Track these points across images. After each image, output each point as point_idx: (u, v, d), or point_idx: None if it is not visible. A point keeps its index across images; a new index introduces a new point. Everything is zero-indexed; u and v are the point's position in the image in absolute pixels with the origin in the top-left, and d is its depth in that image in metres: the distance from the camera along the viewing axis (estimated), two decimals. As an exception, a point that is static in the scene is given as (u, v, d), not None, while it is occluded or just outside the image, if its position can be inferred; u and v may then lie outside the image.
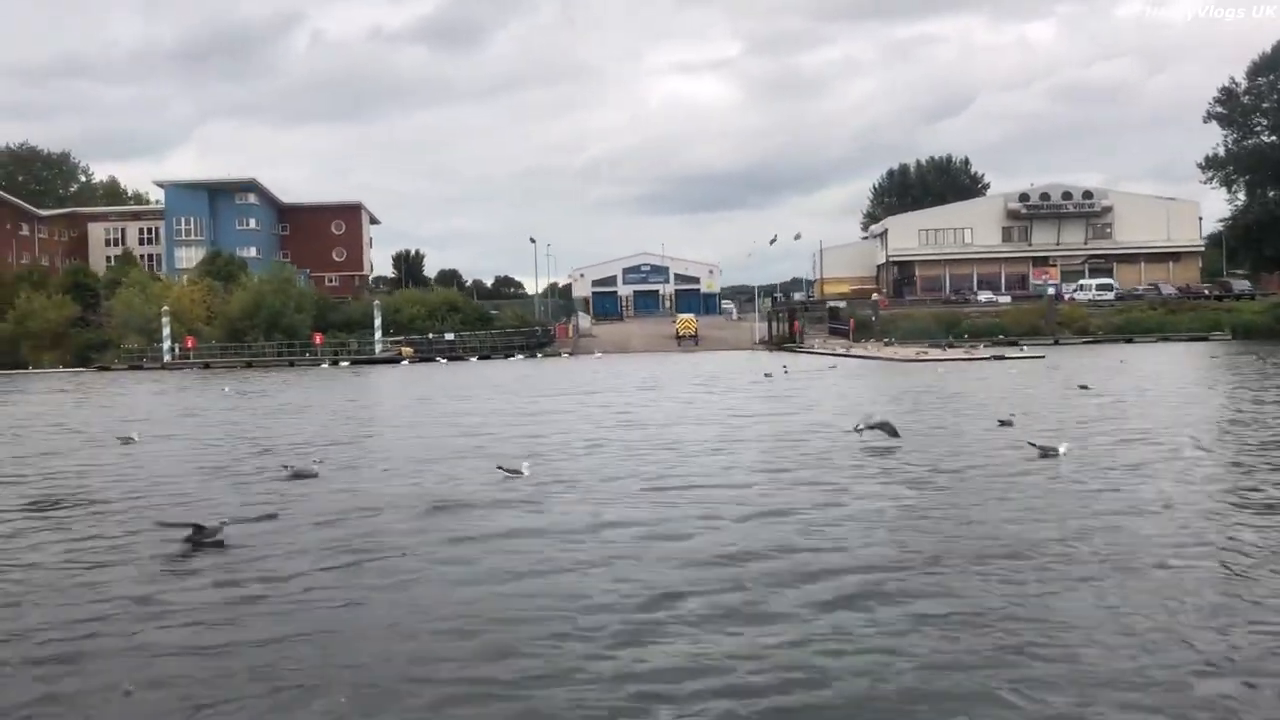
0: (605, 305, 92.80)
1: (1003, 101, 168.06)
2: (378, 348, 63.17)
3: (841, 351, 51.75)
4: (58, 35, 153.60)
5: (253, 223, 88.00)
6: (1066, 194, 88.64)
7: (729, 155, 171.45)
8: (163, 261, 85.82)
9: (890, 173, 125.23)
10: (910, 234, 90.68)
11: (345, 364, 58.91)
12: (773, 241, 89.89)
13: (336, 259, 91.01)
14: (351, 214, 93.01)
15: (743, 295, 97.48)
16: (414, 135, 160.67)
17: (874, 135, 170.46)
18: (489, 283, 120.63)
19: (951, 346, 50.39)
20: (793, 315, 65.40)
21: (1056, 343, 57.17)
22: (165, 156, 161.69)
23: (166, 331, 63.25)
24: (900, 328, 64.96)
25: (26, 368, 70.01)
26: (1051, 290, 72.25)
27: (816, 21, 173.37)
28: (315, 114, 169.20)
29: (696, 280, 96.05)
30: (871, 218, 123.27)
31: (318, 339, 63.09)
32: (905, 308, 77.20)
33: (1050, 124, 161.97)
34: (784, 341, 62.88)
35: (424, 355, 61.67)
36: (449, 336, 64.37)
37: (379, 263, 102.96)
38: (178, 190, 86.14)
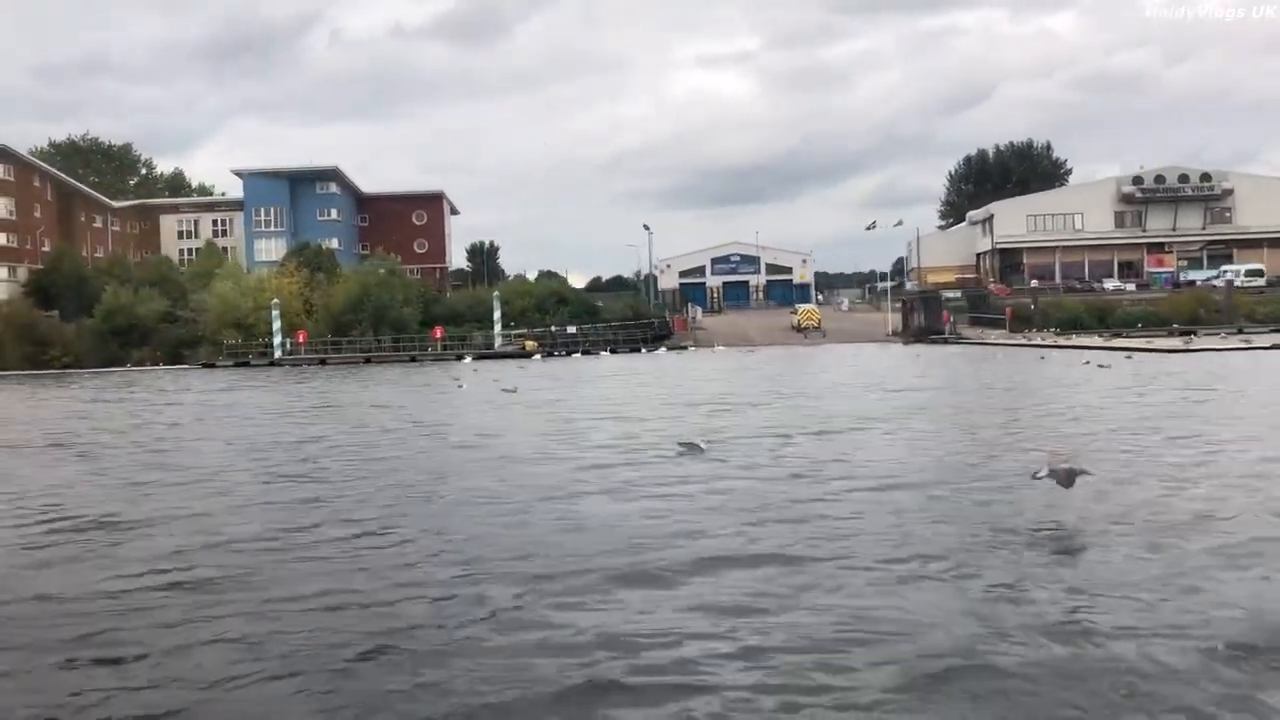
0: (693, 297, 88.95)
1: (1024, 92, 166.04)
2: (498, 341, 59.55)
3: (1024, 342, 47.92)
4: (81, 34, 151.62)
5: (334, 213, 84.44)
6: (1183, 176, 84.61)
7: (751, 148, 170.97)
8: (241, 254, 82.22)
9: (967, 159, 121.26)
10: (1017, 220, 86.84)
11: (469, 359, 55.29)
12: (870, 228, 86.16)
13: (418, 251, 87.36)
14: (433, 204, 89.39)
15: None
16: (436, 131, 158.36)
17: (894, 127, 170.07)
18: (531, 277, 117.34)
19: (1183, 336, 46.74)
20: (938, 305, 61.46)
21: (1240, 331, 53.26)
22: (189, 155, 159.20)
23: (277, 326, 59.73)
24: (1051, 318, 61.24)
25: (123, 365, 66.74)
26: (1229, 278, 67.96)
27: (837, 15, 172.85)
28: (337, 111, 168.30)
29: (788, 270, 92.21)
30: (950, 205, 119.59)
31: (437, 333, 59.41)
32: (1021, 297, 73.26)
33: (1071, 114, 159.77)
34: (927, 333, 59.01)
35: (546, 349, 58.03)
36: (571, 330, 60.73)
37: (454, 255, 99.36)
38: (257, 179, 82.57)
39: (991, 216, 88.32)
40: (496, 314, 60.13)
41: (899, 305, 65.99)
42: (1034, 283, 75.04)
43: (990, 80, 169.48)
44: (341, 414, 22.99)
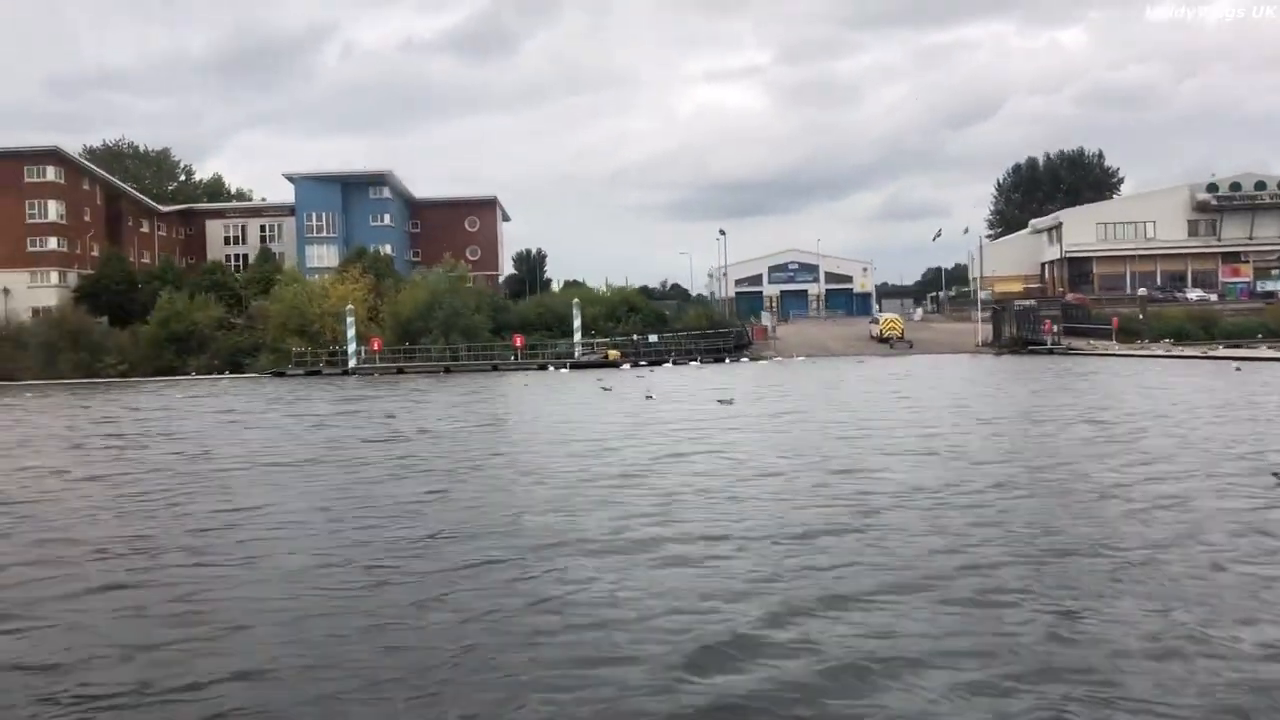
0: (752, 307, 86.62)
1: (1032, 106, 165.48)
2: (577, 350, 57.16)
3: (1144, 352, 45.50)
4: (92, 47, 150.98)
5: (387, 218, 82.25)
6: (1260, 184, 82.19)
7: (758, 162, 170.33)
8: (291, 260, 79.90)
9: (1016, 168, 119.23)
10: (1087, 228, 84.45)
11: (555, 369, 52.97)
12: (936, 237, 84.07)
13: (470, 258, 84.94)
14: (486, 210, 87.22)
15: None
16: (445, 144, 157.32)
17: (901, 141, 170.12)
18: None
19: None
20: (1035, 314, 59.00)
21: (1366, 343, 50.85)
22: (199, 167, 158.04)
23: (352, 333, 57.33)
24: (1152, 328, 58.86)
25: (178, 374, 64.42)
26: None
27: (846, 29, 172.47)
28: (348, 124, 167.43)
29: (848, 279, 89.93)
30: (1000, 215, 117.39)
31: (518, 341, 57.01)
32: (1111, 306, 70.86)
33: (1078, 128, 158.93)
34: (1024, 344, 56.56)
35: (630, 359, 55.65)
36: (653, 339, 58.33)
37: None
38: (309, 183, 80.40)
39: (1059, 225, 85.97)
40: (577, 321, 57.74)
41: (988, 315, 63.51)
42: (1141, 291, 72.86)
43: (999, 94, 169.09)
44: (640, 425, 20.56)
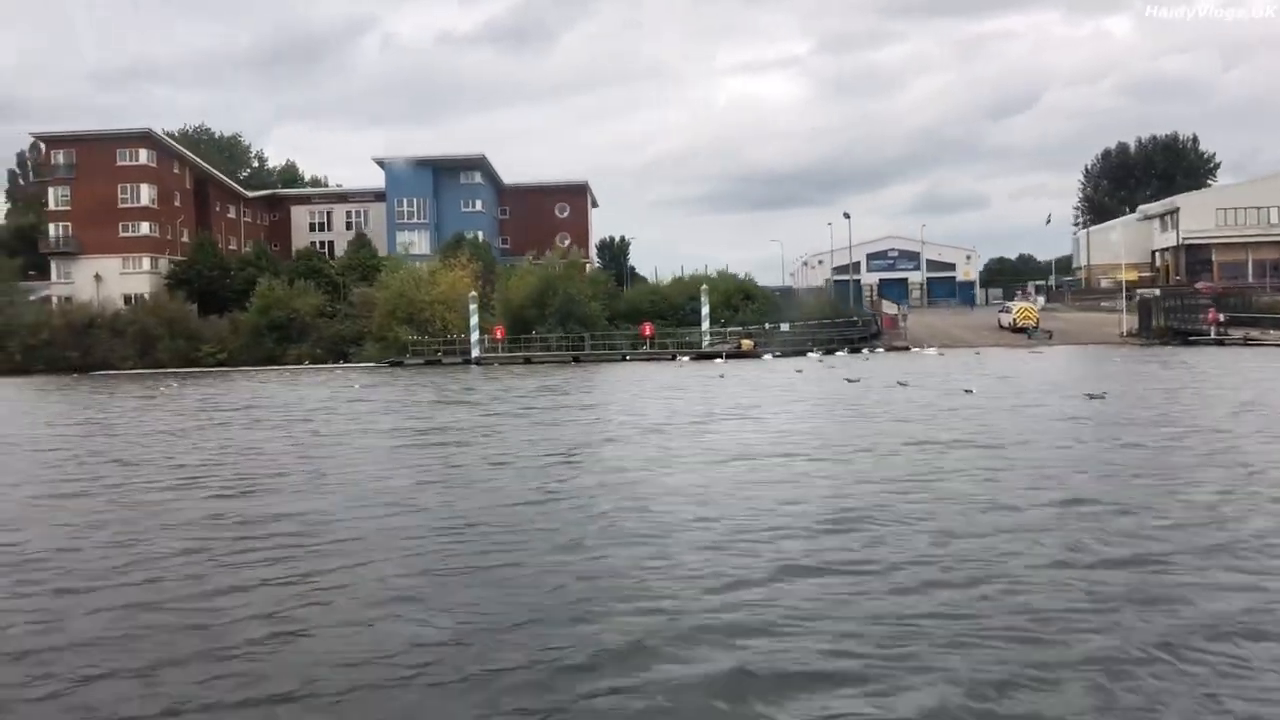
0: (853, 295, 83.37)
1: (1071, 97, 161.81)
2: (705, 340, 54.28)
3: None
4: (135, 40, 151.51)
5: (479, 204, 79.79)
6: (1395, 167, 78.04)
7: (793, 153, 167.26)
8: (382, 247, 77.58)
9: (1106, 153, 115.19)
10: (1206, 214, 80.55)
11: (687, 359, 50.14)
12: (1048, 222, 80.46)
13: (561, 245, 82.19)
14: (577, 195, 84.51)
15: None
16: (481, 136, 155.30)
17: (940, 132, 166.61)
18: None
19: None
20: (1192, 302, 55.48)
21: None
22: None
23: (474, 321, 54.72)
24: (1319, 317, 55.14)
25: (279, 363, 62.26)
26: None
27: (886, 19, 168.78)
28: (386, 116, 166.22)
29: (951, 266, 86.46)
30: (1090, 201, 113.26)
31: (647, 330, 54.18)
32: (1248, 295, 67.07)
33: (1119, 119, 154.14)
34: (1178, 334, 53.10)
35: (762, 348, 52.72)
36: (784, 328, 55.35)
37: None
38: (401, 168, 77.96)
39: (1175, 210, 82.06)
40: (705, 309, 54.78)
41: (1134, 302, 60.03)
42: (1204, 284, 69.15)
43: (1039, 84, 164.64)
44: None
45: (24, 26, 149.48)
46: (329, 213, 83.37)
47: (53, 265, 70.78)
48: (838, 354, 50.79)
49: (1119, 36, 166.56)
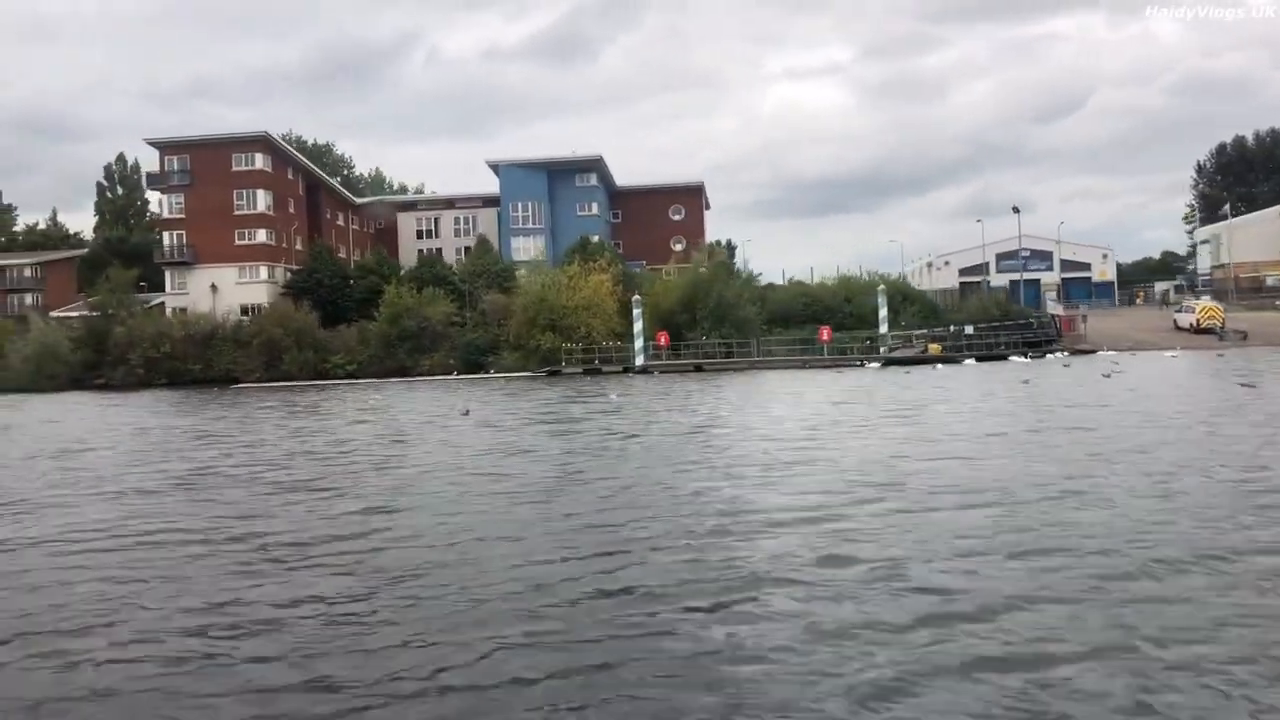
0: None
1: (1121, 98, 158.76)
2: (885, 345, 50.47)
3: None
4: (188, 60, 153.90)
5: (594, 207, 76.60)
6: None
7: (840, 160, 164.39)
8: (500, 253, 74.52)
9: (1221, 148, 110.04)
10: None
11: (875, 365, 46.38)
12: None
13: (675, 248, 78.80)
14: (692, 197, 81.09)
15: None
16: (528, 148, 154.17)
17: (985, 136, 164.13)
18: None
19: None
20: None
21: None
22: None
23: (638, 328, 51.22)
24: None
25: (413, 374, 59.19)
26: None
27: (930, 25, 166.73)
28: (433, 129, 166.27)
29: (1086, 266, 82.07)
30: (1205, 198, 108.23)
31: (825, 334, 50.41)
32: None
33: (1170, 119, 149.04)
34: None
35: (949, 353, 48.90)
36: (969, 330, 51.42)
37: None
38: (515, 171, 74.93)
39: (1333, 202, 77.27)
40: (883, 311, 50.93)
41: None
42: None
43: (1086, 87, 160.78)
44: None
45: (85, 47, 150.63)
46: (436, 219, 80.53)
47: (167, 275, 68.30)
48: (1047, 358, 46.82)
49: (1165, 37, 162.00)
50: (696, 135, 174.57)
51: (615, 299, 59.16)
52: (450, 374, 58.16)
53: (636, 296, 51.77)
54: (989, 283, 75.50)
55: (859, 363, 47.50)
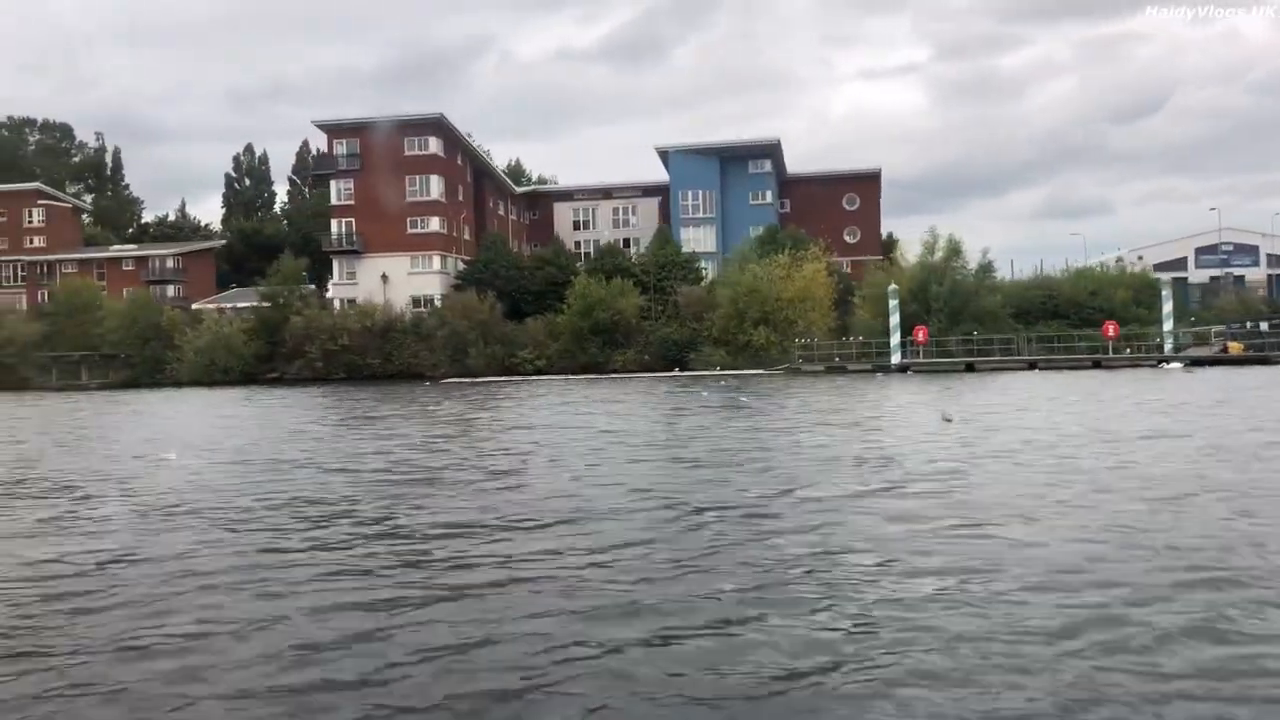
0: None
1: (1203, 97, 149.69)
2: (1169, 342, 45.15)
3: None
4: (267, 63, 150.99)
5: (767, 195, 72.17)
6: None
7: (913, 161, 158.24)
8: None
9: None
10: None
11: (1176, 366, 41.25)
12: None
13: (849, 240, 74.09)
14: (867, 185, 76.18)
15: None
16: (597, 150, 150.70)
17: (1064, 137, 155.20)
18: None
19: None
20: None
21: None
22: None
23: (895, 321, 46.55)
24: None
25: (605, 370, 55.29)
26: None
27: (1008, 24, 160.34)
28: (505, 131, 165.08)
29: (1295, 261, 75.53)
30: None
31: (1110, 330, 45.25)
32: None
33: (1255, 119, 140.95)
34: None
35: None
36: (1263, 327, 46.09)
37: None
38: (685, 158, 70.75)
39: None
40: (1167, 307, 45.56)
41: None
42: None
43: (1167, 86, 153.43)
44: None
45: (163, 50, 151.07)
46: (594, 209, 76.58)
47: (334, 264, 65.18)
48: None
49: (1251, 34, 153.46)
50: (766, 136, 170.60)
51: (832, 291, 54.83)
52: (645, 372, 54.10)
53: (893, 287, 47.02)
54: (1233, 278, 69.73)
55: (1154, 363, 42.35)
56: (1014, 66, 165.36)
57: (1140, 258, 78.22)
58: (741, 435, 18.08)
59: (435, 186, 63.48)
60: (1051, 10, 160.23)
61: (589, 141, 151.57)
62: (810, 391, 31.43)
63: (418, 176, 63.39)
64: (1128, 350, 44.62)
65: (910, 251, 58.24)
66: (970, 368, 43.87)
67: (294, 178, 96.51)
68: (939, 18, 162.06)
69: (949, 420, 18.53)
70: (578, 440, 17.79)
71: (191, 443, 19.38)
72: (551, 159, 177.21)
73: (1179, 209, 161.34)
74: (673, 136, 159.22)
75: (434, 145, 63.63)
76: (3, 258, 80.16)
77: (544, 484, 12.36)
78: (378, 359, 58.31)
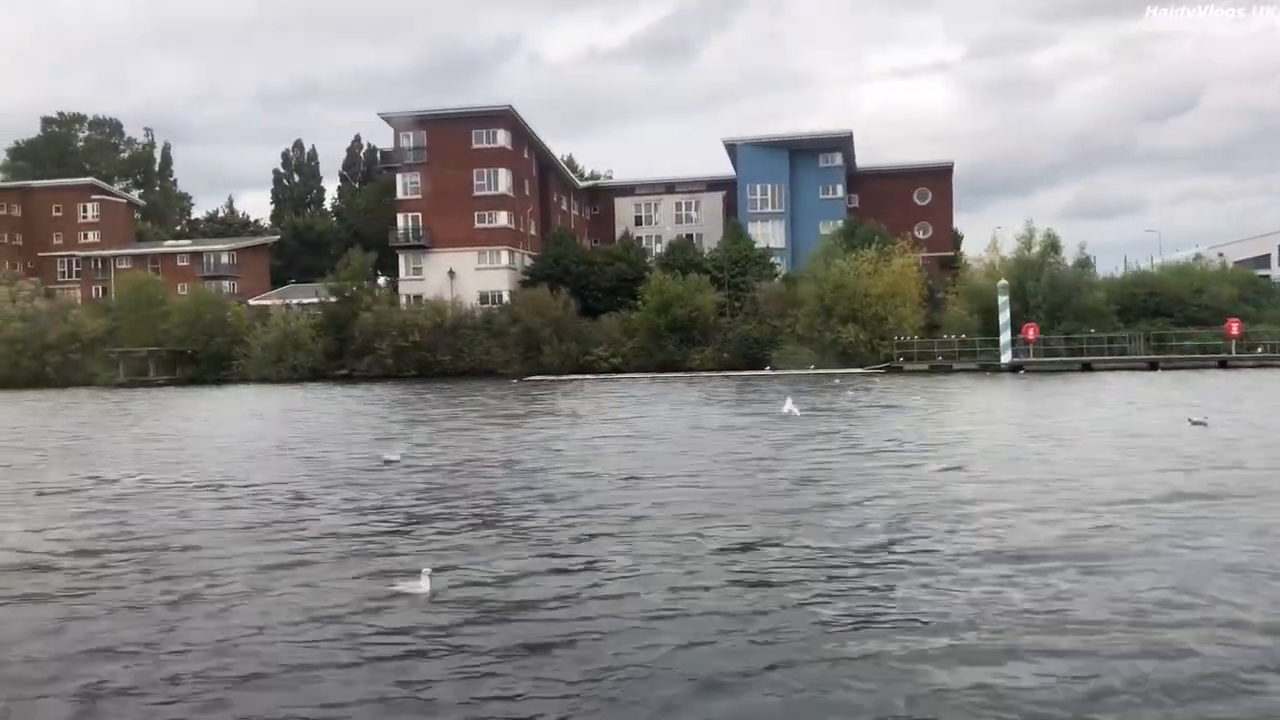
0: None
1: (1237, 96, 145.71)
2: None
3: None
4: (297, 63, 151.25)
5: (838, 190, 70.37)
6: None
7: (943, 159, 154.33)
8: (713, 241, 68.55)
9: None
10: None
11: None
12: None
13: (920, 236, 71.90)
14: (939, 179, 74.27)
15: None
16: (627, 148, 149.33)
17: (1094, 137, 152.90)
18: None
19: None
20: None
21: None
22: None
23: (1005, 318, 44.67)
24: None
25: (683, 368, 53.70)
26: None
27: (1039, 22, 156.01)
28: (537, 129, 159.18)
29: (1385, 259, 72.88)
30: None
31: (1233, 328, 43.26)
32: None
33: None
34: None
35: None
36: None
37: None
38: (754, 151, 69.07)
39: None
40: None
41: None
42: None
43: (1200, 85, 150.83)
44: None
45: (194, 53, 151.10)
46: (656, 204, 74.95)
47: (400, 259, 63.86)
48: None
49: None
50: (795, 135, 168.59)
51: (921, 286, 52.99)
52: (725, 370, 52.42)
53: (1003, 282, 45.19)
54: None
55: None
56: (1044, 65, 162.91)
57: (1220, 254, 75.83)
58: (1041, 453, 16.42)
59: (503, 180, 62.07)
60: (1083, 9, 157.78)
61: (622, 140, 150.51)
62: (969, 394, 29.66)
63: (485, 170, 62.01)
64: (1259, 350, 42.54)
65: (974, 249, 56.50)
66: (1087, 367, 41.91)
67: (344, 173, 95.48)
68: (972, 17, 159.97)
69: (1201, 424, 16.80)
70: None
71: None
72: (589, 157, 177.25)
73: (1214, 208, 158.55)
74: (705, 132, 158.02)
75: (502, 138, 62.21)
76: (59, 253, 79.50)
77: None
78: (448, 355, 57.00)
